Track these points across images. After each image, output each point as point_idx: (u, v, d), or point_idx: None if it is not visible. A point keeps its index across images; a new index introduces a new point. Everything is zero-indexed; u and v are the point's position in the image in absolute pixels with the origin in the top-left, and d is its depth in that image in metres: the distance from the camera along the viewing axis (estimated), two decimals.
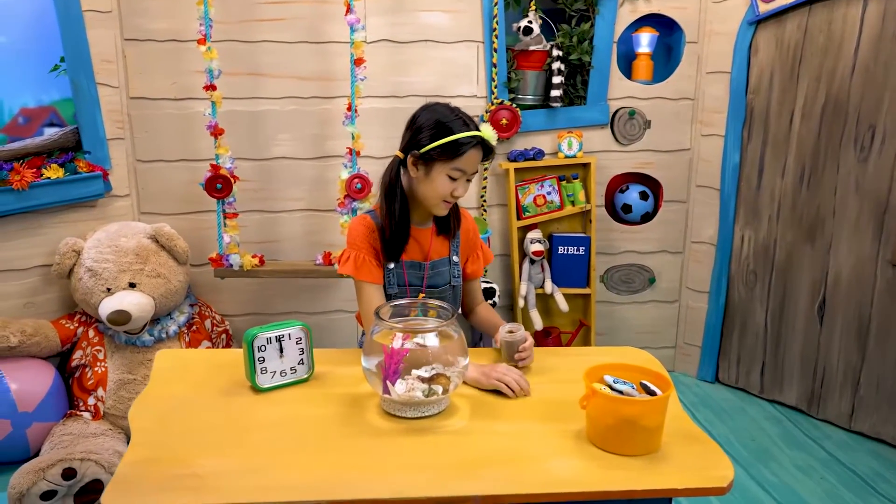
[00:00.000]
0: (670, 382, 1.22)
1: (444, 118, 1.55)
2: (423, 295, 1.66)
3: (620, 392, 1.22)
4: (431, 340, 1.30)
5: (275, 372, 1.40)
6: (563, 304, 2.88)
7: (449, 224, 1.68)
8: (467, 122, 1.55)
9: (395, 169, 1.61)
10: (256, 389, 1.38)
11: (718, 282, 2.95)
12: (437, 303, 1.41)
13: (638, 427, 1.17)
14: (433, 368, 1.31)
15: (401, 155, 1.61)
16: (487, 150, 1.58)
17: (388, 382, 1.28)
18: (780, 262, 2.75)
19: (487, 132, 1.56)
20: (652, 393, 1.22)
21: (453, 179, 1.55)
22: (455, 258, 1.71)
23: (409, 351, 1.27)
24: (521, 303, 2.86)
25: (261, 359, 1.38)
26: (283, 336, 1.40)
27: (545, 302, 2.97)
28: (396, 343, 1.26)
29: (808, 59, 2.55)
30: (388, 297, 1.65)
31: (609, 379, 1.26)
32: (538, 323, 2.88)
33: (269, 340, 1.39)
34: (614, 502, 1.13)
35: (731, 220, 2.88)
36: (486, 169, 2.82)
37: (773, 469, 2.36)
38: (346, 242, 1.66)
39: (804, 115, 2.60)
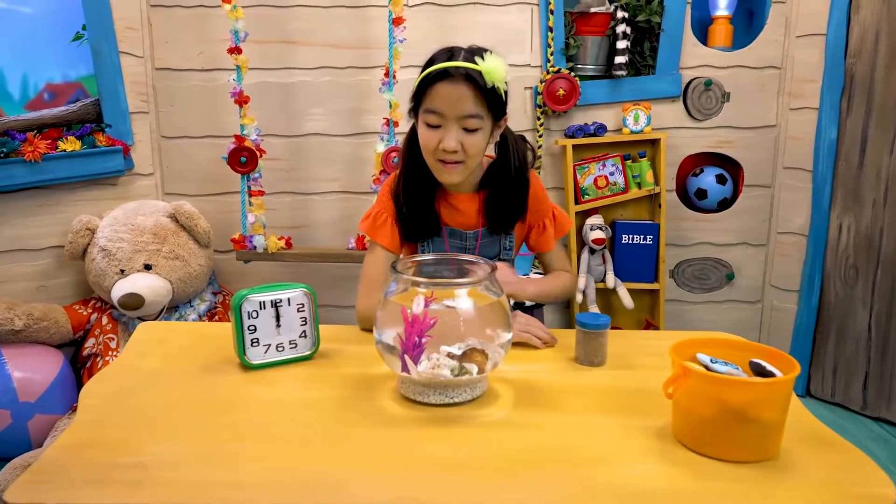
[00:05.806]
0: (795, 364, 0.87)
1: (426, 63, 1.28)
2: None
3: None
4: (464, 303, 1.00)
5: (269, 345, 1.12)
6: (627, 301, 2.52)
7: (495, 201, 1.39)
8: (449, 57, 1.24)
9: (409, 134, 1.37)
10: (246, 366, 1.10)
11: (811, 279, 2.54)
12: (471, 257, 1.11)
13: (750, 421, 0.82)
14: (467, 344, 1.01)
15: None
16: (481, 86, 1.20)
17: (407, 358, 0.98)
18: (888, 254, 2.33)
19: (467, 62, 1.21)
20: (768, 375, 0.88)
21: (432, 127, 1.25)
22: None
23: (436, 319, 0.97)
24: (578, 298, 2.52)
25: (251, 328, 1.09)
26: (280, 301, 1.12)
27: (606, 298, 2.61)
28: (417, 307, 0.96)
29: None
30: None
31: (704, 358, 0.92)
32: None
33: (262, 305, 1.10)
34: None
35: (826, 206, 2.47)
36: (539, 147, 2.51)
37: None
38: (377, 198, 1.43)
39: None
